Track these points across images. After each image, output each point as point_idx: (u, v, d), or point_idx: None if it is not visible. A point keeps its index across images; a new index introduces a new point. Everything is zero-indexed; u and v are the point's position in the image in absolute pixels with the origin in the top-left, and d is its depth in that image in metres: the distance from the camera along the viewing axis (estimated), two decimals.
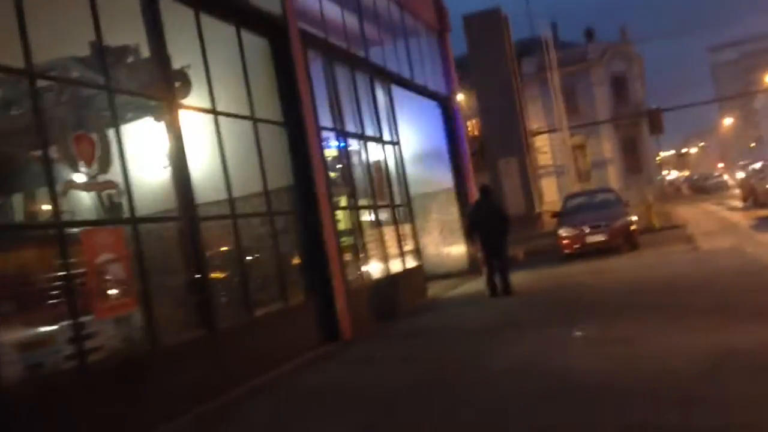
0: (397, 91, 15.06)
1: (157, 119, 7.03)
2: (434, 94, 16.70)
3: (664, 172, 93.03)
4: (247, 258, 8.20)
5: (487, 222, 12.37)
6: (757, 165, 26.83)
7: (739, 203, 28.74)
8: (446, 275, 16.47)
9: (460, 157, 17.29)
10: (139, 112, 7.38)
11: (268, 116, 9.25)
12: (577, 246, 17.02)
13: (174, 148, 6.94)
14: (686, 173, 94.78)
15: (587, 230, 16.96)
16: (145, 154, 7.37)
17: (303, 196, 9.45)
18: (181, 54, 7.94)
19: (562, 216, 18.48)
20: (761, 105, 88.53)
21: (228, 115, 8.22)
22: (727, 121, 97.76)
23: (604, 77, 48.33)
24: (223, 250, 8.17)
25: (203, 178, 7.67)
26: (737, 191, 33.14)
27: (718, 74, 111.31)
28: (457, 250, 17.25)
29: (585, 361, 6.53)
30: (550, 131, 39.16)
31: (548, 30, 33.00)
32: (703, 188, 52.13)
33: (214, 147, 7.91)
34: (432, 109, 17.06)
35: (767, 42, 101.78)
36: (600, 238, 16.82)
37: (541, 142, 44.42)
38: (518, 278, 14.75)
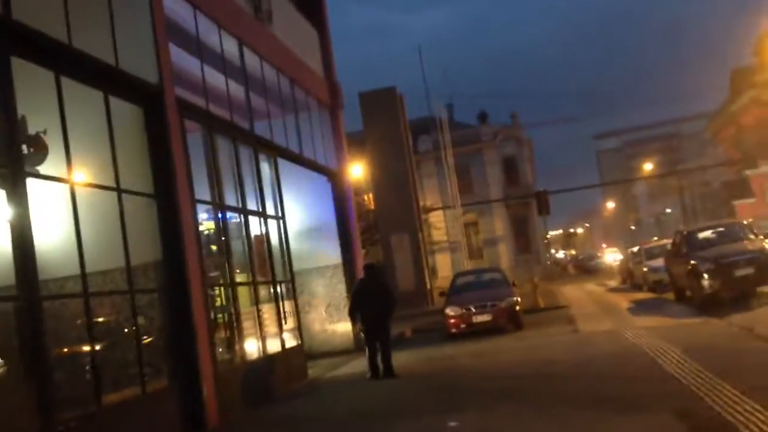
0: (286, 165, 14.88)
1: (1, 187, 6.42)
2: (323, 168, 16.56)
3: (552, 251, 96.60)
4: (99, 340, 7.53)
5: (371, 301, 12.12)
6: (635, 249, 28.01)
7: (618, 284, 29.89)
8: (331, 353, 16.01)
9: (348, 233, 17.11)
10: None
11: (137, 187, 8.74)
12: (463, 326, 17.02)
13: (17, 220, 6.33)
14: (573, 252, 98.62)
15: (473, 310, 17.01)
16: None
17: (171, 272, 8.90)
18: (39, 119, 7.43)
19: (450, 295, 18.52)
20: (640, 191, 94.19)
21: (87, 185, 7.68)
22: (610, 205, 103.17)
23: (496, 158, 50.13)
24: (70, 332, 7.47)
25: (53, 252, 7.05)
26: (616, 272, 34.53)
27: (603, 160, 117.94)
28: (344, 327, 16.86)
29: None
30: (443, 208, 39.91)
31: (443, 110, 34.02)
32: (586, 268, 54.17)
33: (69, 219, 7.31)
34: (321, 183, 16.89)
35: (647, 132, 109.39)
36: (485, 318, 16.91)
37: (436, 218, 45.24)
38: (402, 358, 14.55)
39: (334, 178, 17.14)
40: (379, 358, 11.99)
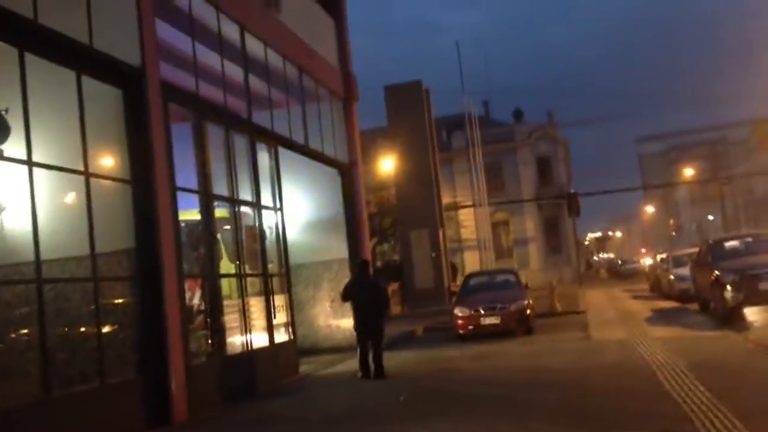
0: (294, 157, 14.56)
1: None
2: (333, 161, 16.18)
3: (594, 255, 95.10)
4: (56, 329, 7.27)
5: (363, 299, 11.74)
6: (663, 255, 27.08)
7: (647, 291, 28.97)
8: (334, 349, 15.67)
9: (357, 227, 16.71)
10: None
11: (111, 172, 8.48)
12: (471, 327, 16.53)
13: None
14: (611, 256, 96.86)
15: (482, 312, 16.50)
16: None
17: (144, 260, 8.61)
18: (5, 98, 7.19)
19: (460, 295, 18.03)
20: (681, 196, 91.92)
21: (48, 167, 7.40)
22: (649, 209, 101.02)
23: (530, 157, 49.21)
24: (19, 319, 7.22)
25: (9, 237, 6.79)
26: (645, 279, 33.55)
27: (645, 164, 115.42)
28: (348, 323, 16.47)
29: None
30: (467, 206, 39.25)
31: (473, 106, 33.39)
32: (619, 273, 52.93)
33: (26, 202, 7.05)
34: (332, 176, 16.53)
35: (691, 137, 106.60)
36: (494, 320, 16.38)
37: (465, 215, 44.59)
38: (403, 358, 14.18)
39: (345, 172, 16.75)
40: (370, 358, 11.63)
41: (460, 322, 16.69)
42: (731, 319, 14.23)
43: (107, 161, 8.48)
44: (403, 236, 28.37)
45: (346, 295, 11.82)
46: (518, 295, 17.08)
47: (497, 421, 7.68)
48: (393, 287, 25.46)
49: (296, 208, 16.49)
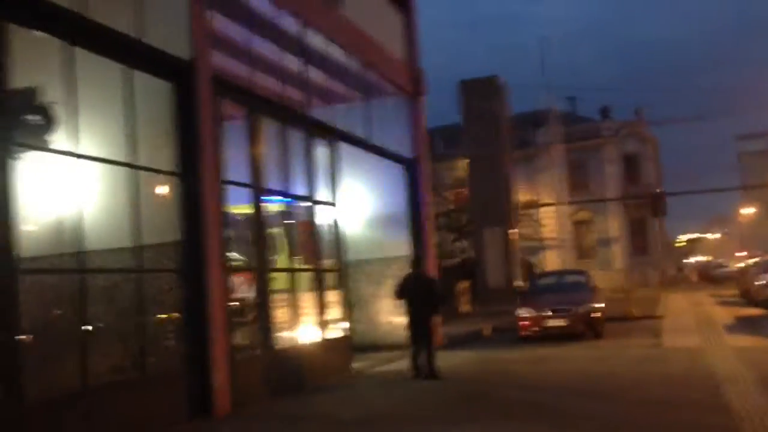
0: (358, 152, 14.52)
1: None
2: (397, 156, 16.03)
3: (690, 258, 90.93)
4: (101, 319, 7.42)
5: (416, 297, 11.55)
6: (755, 259, 25.60)
7: (736, 297, 27.45)
8: (392, 346, 15.53)
9: (420, 223, 16.50)
10: None
11: (159, 165, 8.60)
12: (535, 329, 16.08)
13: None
14: (705, 258, 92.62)
15: (548, 313, 16.02)
16: None
17: (189, 253, 8.71)
18: (51, 89, 7.39)
19: (526, 296, 17.58)
20: None
21: (94, 159, 7.56)
22: (747, 211, 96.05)
23: (616, 155, 47.59)
24: (58, 309, 7.40)
25: (48, 226, 6.98)
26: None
27: (745, 163, 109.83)
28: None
29: None
30: (548, 204, 38.30)
31: (555, 102, 32.51)
32: (711, 276, 50.46)
33: (70, 193, 7.23)
34: (396, 172, 16.39)
35: None
36: (560, 323, 15.89)
37: (548, 214, 43.52)
38: (462, 358, 13.93)
39: (410, 167, 16.56)
40: (422, 358, 11.43)
41: (524, 323, 16.26)
42: None
43: (156, 154, 8.60)
44: (476, 234, 27.94)
45: (401, 292, 11.64)
46: (587, 297, 16.50)
47: (529, 428, 7.42)
48: (463, 285, 25.13)
49: (360, 203, 16.47)
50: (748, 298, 24.51)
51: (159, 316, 8.52)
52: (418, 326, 11.40)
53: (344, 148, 14.06)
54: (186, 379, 8.48)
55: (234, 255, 10.99)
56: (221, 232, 9.13)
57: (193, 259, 8.71)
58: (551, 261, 43.05)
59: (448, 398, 9.66)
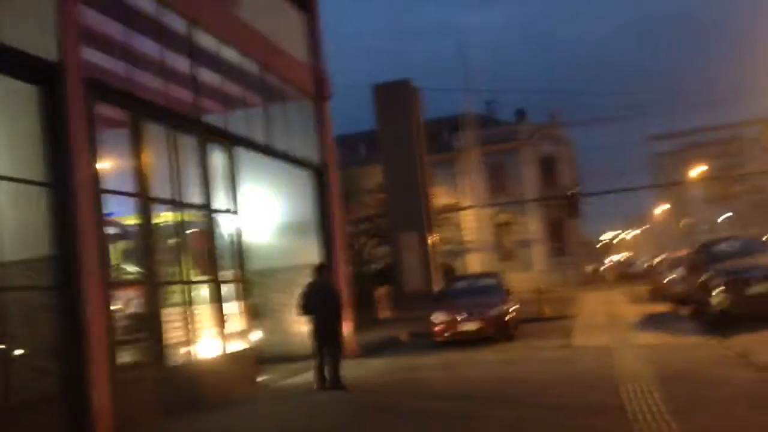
0: (263, 159, 14.07)
1: None
2: (304, 162, 15.61)
3: (610, 256, 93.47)
4: None
5: (320, 304, 11.17)
6: (660, 258, 26.28)
7: (646, 295, 28.08)
8: (305, 357, 15.09)
9: (331, 230, 16.12)
10: None
11: (23, 174, 7.95)
12: (448, 334, 15.93)
13: None
14: (622, 257, 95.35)
15: (460, 317, 15.89)
16: None
17: (63, 268, 8.08)
18: None
19: (440, 300, 17.43)
20: (694, 196, 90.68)
21: None
22: (659, 210, 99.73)
23: (532, 157, 48.40)
24: None
25: None
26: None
27: (657, 163, 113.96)
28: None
29: None
30: (467, 207, 38.56)
31: (472, 106, 32.72)
32: (626, 275, 51.79)
33: None
34: (303, 178, 15.97)
35: (704, 136, 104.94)
36: (472, 326, 15.79)
37: (469, 217, 43.82)
38: (372, 366, 13.65)
39: (318, 173, 16.17)
40: (327, 368, 11.06)
41: (437, 328, 16.10)
42: (718, 325, 13.54)
43: (19, 163, 7.95)
44: (392, 238, 27.75)
45: (305, 306, 11.18)
46: (500, 300, 16.45)
47: None
48: (382, 291, 24.88)
49: (268, 211, 15.99)
50: (657, 295, 25.11)
51: (29, 337, 7.85)
52: (323, 336, 11.03)
53: (248, 156, 13.61)
54: (61, 402, 7.84)
55: (130, 268, 10.42)
56: (101, 245, 8.54)
57: (66, 274, 8.08)
58: (473, 264, 43.35)
59: (349, 411, 9.36)
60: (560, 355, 13.01)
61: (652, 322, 17.43)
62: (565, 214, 47.15)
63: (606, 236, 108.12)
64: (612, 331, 16.36)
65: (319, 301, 11.14)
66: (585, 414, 7.70)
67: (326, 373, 11.06)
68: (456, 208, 39.16)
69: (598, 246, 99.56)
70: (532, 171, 48.27)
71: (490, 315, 15.76)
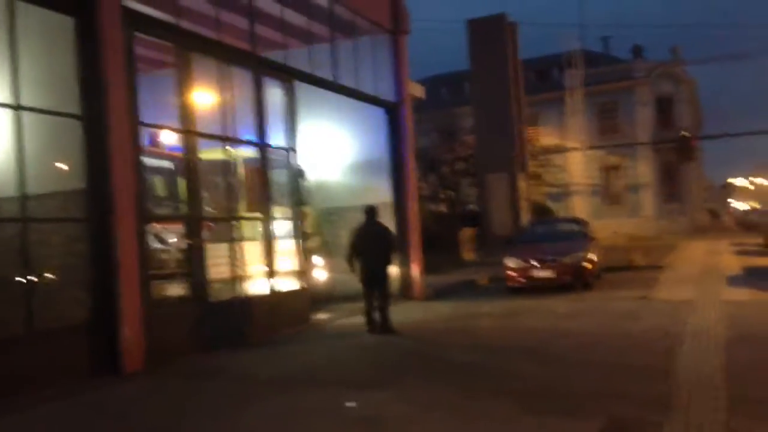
0: (333, 97, 13.76)
1: None
2: (377, 100, 15.13)
3: (732, 203, 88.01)
4: None
5: (370, 248, 10.89)
6: None
7: (759, 245, 26.04)
8: None
9: (402, 169, 15.68)
10: None
11: (58, 107, 7.97)
12: (522, 280, 15.30)
13: None
14: (749, 205, 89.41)
15: (535, 264, 15.20)
16: None
17: (95, 201, 8.13)
18: None
19: (515, 245, 16.73)
20: None
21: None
22: None
23: (648, 98, 45.48)
24: None
25: None
26: None
27: None
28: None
29: None
30: (571, 149, 36.85)
31: (576, 43, 30.87)
32: (749, 224, 48.39)
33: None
34: (375, 116, 15.52)
35: None
36: (547, 274, 15.08)
37: (576, 159, 42.00)
38: (433, 311, 13.30)
39: (392, 111, 15.66)
40: (376, 311, 10.84)
41: (510, 274, 15.50)
42: None
43: (55, 95, 7.97)
44: (480, 180, 26.86)
45: (354, 249, 10.90)
46: (577, 247, 15.59)
47: (444, 392, 6.80)
48: (467, 233, 24.30)
49: (337, 149, 15.72)
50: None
51: (61, 267, 8.01)
52: (373, 279, 10.79)
53: (319, 92, 13.32)
54: (92, 334, 7.99)
55: (172, 202, 10.49)
56: (136, 179, 8.52)
57: (100, 207, 8.13)
58: (577, 208, 41.73)
59: (384, 357, 9.10)
60: (633, 308, 12.14)
61: (752, 276, 16.04)
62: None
63: (732, 181, 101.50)
64: (702, 283, 15.23)
65: (368, 245, 10.85)
66: (628, 377, 7.04)
67: (374, 315, 10.87)
68: (559, 150, 37.52)
69: (721, 191, 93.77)
70: (647, 112, 45.41)
71: (564, 262, 14.99)
